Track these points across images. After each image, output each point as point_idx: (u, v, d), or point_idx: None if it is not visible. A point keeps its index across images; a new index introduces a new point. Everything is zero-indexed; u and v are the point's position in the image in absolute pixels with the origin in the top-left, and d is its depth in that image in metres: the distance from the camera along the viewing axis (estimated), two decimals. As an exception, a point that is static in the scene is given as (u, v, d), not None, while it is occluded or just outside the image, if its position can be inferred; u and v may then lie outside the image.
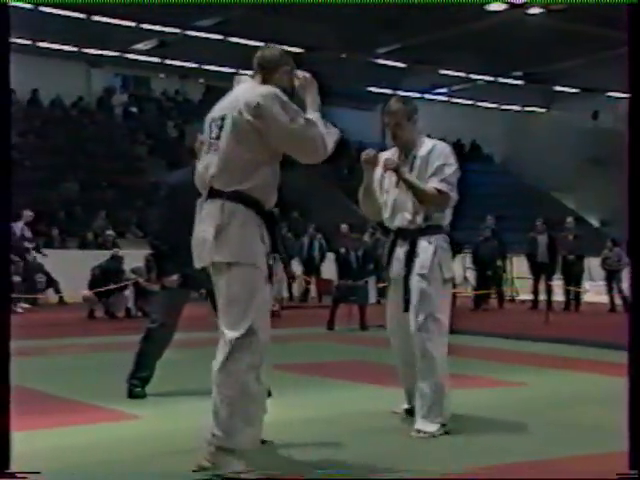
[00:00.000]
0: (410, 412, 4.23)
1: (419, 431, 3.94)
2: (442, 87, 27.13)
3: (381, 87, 26.22)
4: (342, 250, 10.53)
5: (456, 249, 4.28)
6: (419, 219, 4.12)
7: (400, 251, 4.16)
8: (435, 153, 4.13)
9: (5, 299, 2.53)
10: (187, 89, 25.40)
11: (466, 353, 6.90)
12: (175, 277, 4.98)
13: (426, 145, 4.18)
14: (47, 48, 21.00)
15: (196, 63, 23.34)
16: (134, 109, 23.80)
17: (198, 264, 3.37)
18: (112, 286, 11.51)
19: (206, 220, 3.29)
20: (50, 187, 18.06)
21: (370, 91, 26.54)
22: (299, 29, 19.93)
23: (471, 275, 15.07)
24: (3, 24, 2.50)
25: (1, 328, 2.46)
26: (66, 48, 21.27)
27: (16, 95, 21.11)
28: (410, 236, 4.13)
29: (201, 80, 25.09)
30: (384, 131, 24.03)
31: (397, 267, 4.16)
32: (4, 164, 2.46)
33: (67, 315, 11.91)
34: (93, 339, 8.65)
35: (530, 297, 13.87)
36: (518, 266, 15.59)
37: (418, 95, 27.26)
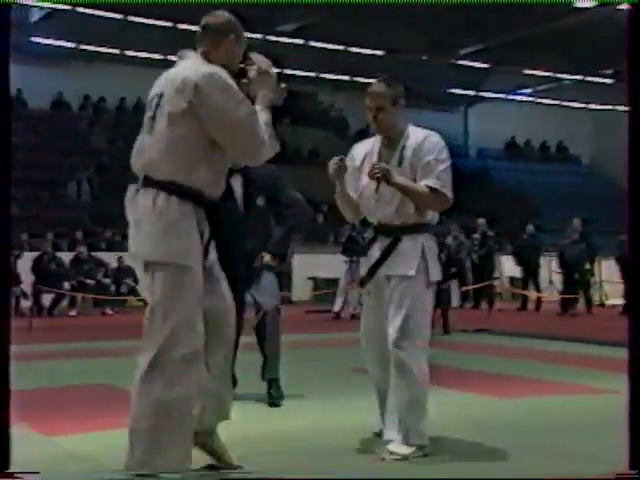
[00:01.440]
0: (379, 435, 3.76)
1: (392, 452, 3.47)
2: (527, 87, 26.60)
3: (463, 88, 25.94)
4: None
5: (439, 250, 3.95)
6: (404, 214, 3.67)
7: (377, 248, 3.71)
8: (427, 146, 3.71)
9: (5, 301, 2.47)
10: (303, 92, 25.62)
11: (561, 360, 6.76)
12: None
13: (415, 135, 3.78)
14: (134, 57, 21.59)
15: (278, 68, 23.55)
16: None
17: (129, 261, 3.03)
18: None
19: (138, 211, 2.93)
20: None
21: (451, 92, 26.28)
22: (380, 32, 19.91)
23: (557, 279, 14.74)
24: (3, 24, 2.42)
25: (1, 330, 2.41)
26: (152, 56, 21.82)
27: (106, 103, 21.85)
28: (392, 233, 3.69)
29: (283, 85, 25.29)
30: (466, 132, 23.74)
31: (381, 265, 3.69)
32: (4, 164, 2.40)
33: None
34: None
35: (620, 302, 13.47)
36: (607, 270, 15.18)
37: (502, 96, 26.86)
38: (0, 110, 2.41)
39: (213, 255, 3.06)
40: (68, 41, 20.49)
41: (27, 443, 3.91)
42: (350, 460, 3.53)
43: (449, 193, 3.69)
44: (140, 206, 2.92)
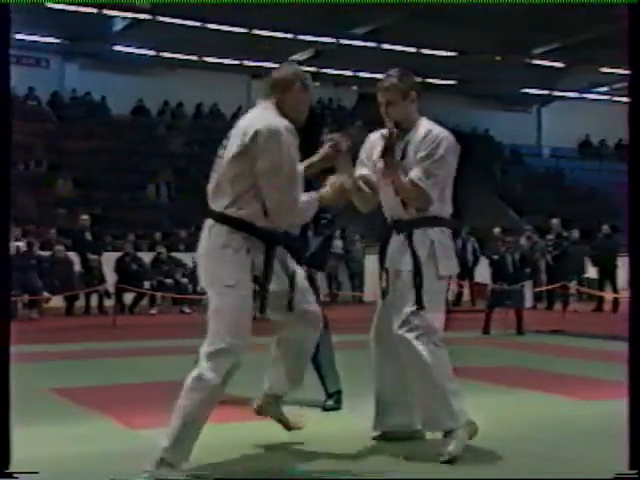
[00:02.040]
0: (385, 437, 3.75)
1: (441, 455, 3.40)
2: (602, 86, 25.91)
3: (536, 88, 25.45)
4: (495, 254, 10.30)
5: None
6: (412, 209, 3.60)
7: (395, 244, 3.68)
8: (425, 140, 3.58)
9: (5, 300, 2.46)
10: (341, 96, 25.73)
11: None
12: None
13: (421, 130, 3.64)
14: (212, 62, 21.94)
15: (350, 71, 23.60)
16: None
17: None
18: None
19: (202, 240, 3.31)
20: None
21: (524, 92, 25.81)
22: (452, 34, 19.71)
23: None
24: (3, 24, 2.41)
25: (1, 330, 2.42)
26: (229, 62, 22.13)
27: (184, 108, 22.26)
28: (405, 228, 3.64)
29: (354, 87, 25.34)
30: (539, 132, 23.29)
31: (393, 261, 3.67)
32: (4, 164, 2.40)
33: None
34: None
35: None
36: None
37: (577, 95, 26.23)
38: (0, 110, 2.40)
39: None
40: (149, 49, 20.97)
41: (109, 435, 4.02)
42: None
43: (428, 188, 3.53)
44: (203, 236, 3.32)
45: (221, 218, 3.21)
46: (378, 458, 3.56)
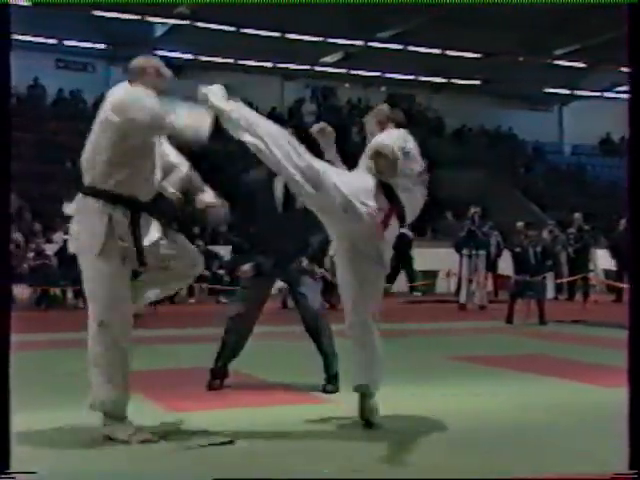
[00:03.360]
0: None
1: None
2: (623, 85, 25.51)
3: (558, 87, 25.14)
4: (518, 247, 10.22)
5: None
6: None
7: None
8: None
9: (5, 298, 2.40)
10: (370, 97, 25.64)
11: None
12: (247, 267, 4.78)
13: None
14: (246, 65, 22.00)
15: (378, 72, 23.51)
16: (323, 118, 24.42)
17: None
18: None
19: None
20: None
21: (547, 92, 25.51)
22: (476, 36, 19.54)
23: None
24: (3, 24, 2.37)
25: (1, 328, 2.36)
26: (262, 64, 22.18)
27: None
28: None
29: (383, 88, 25.24)
30: (561, 130, 23.07)
31: None
32: (4, 164, 2.37)
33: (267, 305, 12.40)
34: (289, 327, 8.98)
35: None
36: None
37: (598, 94, 25.86)
38: (0, 110, 2.36)
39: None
40: (187, 53, 21.10)
41: (151, 416, 4.06)
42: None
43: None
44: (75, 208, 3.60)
45: (87, 191, 3.51)
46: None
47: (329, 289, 10.74)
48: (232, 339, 4.83)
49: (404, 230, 16.16)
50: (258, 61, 21.90)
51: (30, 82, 20.09)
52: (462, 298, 12.19)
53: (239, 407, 4.29)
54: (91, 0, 16.07)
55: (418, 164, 3.75)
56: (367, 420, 3.75)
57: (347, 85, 25.29)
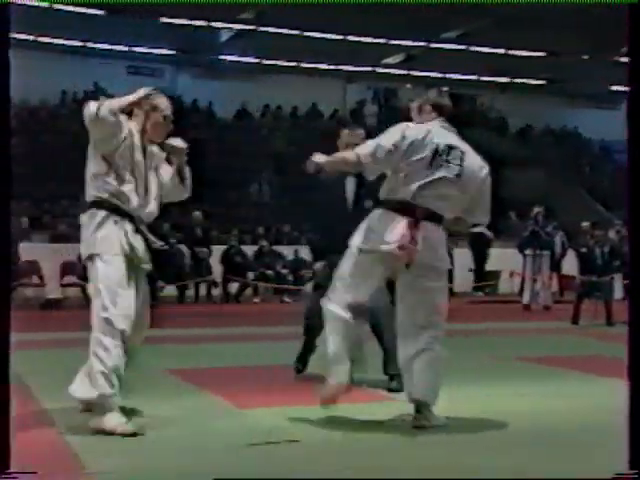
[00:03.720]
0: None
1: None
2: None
3: (624, 85, 24.45)
4: (583, 247, 9.99)
5: None
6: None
7: None
8: None
9: (5, 296, 2.40)
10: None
11: None
12: (319, 265, 4.92)
13: None
14: (309, 68, 22.10)
15: (440, 73, 23.31)
16: (384, 118, 24.33)
17: None
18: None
19: None
20: (313, 189, 18.96)
21: (613, 90, 24.83)
22: (540, 35, 19.16)
23: None
24: (3, 24, 2.38)
25: (1, 327, 2.36)
26: (325, 66, 22.25)
27: (282, 110, 22.50)
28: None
29: (445, 88, 24.96)
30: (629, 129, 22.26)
31: None
32: (4, 164, 2.37)
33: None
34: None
35: None
36: None
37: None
38: (0, 110, 2.38)
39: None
40: (252, 57, 21.35)
41: (218, 412, 4.13)
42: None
43: (359, 151, 3.77)
44: None
45: (91, 203, 3.83)
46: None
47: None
48: (311, 337, 4.98)
49: (482, 229, 15.98)
50: (321, 64, 21.97)
51: (91, 87, 20.60)
52: (526, 299, 12.01)
53: (306, 405, 4.31)
54: (160, 0, 16.32)
55: (420, 154, 3.71)
56: (419, 427, 3.72)
57: (409, 86, 25.13)
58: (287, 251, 14.67)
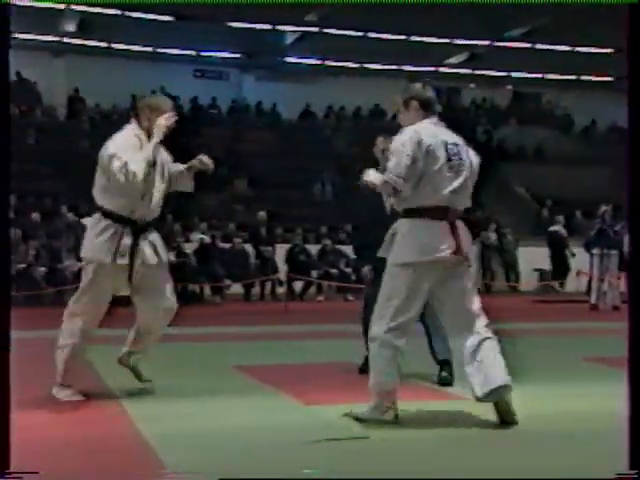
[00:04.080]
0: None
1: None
2: None
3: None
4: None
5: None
6: (396, 203, 3.83)
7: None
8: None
9: (5, 294, 2.41)
10: (495, 96, 25.06)
11: None
12: (366, 269, 5.09)
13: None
14: (372, 69, 22.07)
15: (504, 71, 22.94)
16: (447, 118, 24.13)
17: None
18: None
19: None
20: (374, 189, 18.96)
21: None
22: (607, 31, 18.63)
23: None
24: (3, 24, 2.37)
25: (1, 325, 2.39)
26: (387, 67, 22.17)
27: (345, 111, 22.52)
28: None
29: (509, 87, 24.58)
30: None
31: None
32: (4, 164, 2.36)
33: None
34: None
35: None
36: None
37: None
38: (0, 113, 2.37)
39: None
40: (315, 59, 21.45)
41: (284, 409, 4.16)
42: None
43: (396, 181, 3.69)
44: None
45: (97, 209, 4.38)
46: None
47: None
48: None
49: (558, 228, 15.75)
50: (383, 64, 21.90)
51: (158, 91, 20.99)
52: (593, 298, 11.72)
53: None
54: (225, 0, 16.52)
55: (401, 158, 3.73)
56: (511, 421, 3.67)
57: (472, 85, 24.82)
58: (350, 250, 14.67)
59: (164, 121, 4.29)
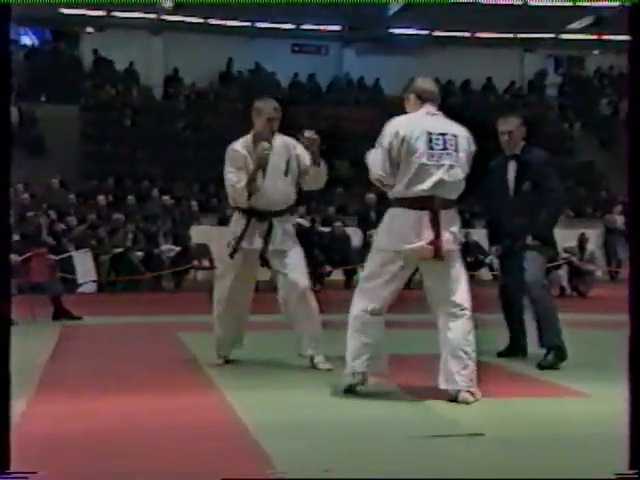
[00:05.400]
0: None
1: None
2: None
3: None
4: None
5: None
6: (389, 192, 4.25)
7: None
8: None
9: (5, 293, 2.45)
10: (623, 64, 24.04)
11: None
12: (494, 248, 5.58)
13: None
14: (483, 38, 21.64)
15: (633, 36, 21.96)
16: (567, 89, 23.32)
17: None
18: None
19: None
20: (486, 169, 18.65)
21: None
22: None
23: None
24: (3, 24, 2.47)
25: (1, 324, 2.41)
26: (501, 35, 21.67)
27: (453, 85, 22.19)
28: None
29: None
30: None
31: None
32: (4, 162, 2.42)
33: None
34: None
35: None
36: None
37: None
38: (0, 111, 2.43)
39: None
40: (421, 29, 21.20)
41: (398, 402, 4.17)
42: None
43: (374, 175, 4.23)
44: None
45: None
46: None
47: (576, 275, 10.89)
48: (509, 319, 5.55)
49: None
50: (497, 32, 21.42)
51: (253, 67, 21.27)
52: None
53: (488, 396, 4.27)
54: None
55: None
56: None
57: (596, 52, 23.91)
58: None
59: (259, 153, 5.00)
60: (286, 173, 5.11)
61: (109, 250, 12.49)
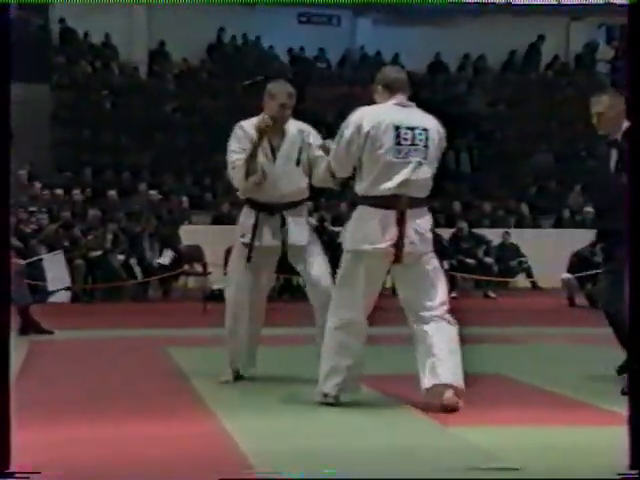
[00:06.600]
0: None
1: None
2: None
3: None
4: None
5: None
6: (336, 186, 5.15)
7: None
8: None
9: (5, 295, 2.61)
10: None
11: None
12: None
13: None
14: (521, 5, 21.59)
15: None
16: (621, 65, 23.24)
17: None
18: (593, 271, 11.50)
19: None
20: (521, 159, 18.63)
21: None
22: None
23: None
24: (3, 24, 2.66)
25: (1, 326, 2.56)
26: (544, 2, 21.60)
27: (487, 61, 22.14)
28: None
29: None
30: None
31: None
32: (4, 161, 2.57)
33: (542, 301, 12.20)
34: (574, 329, 8.80)
35: None
36: None
37: None
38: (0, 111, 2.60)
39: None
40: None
41: (423, 430, 4.19)
42: None
43: (329, 163, 4.79)
44: None
45: None
46: None
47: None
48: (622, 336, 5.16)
49: None
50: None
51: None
52: None
53: (527, 424, 4.26)
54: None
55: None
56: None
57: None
58: (491, 235, 14.51)
59: (260, 123, 5.06)
60: (298, 162, 5.19)
61: (85, 253, 12.53)
